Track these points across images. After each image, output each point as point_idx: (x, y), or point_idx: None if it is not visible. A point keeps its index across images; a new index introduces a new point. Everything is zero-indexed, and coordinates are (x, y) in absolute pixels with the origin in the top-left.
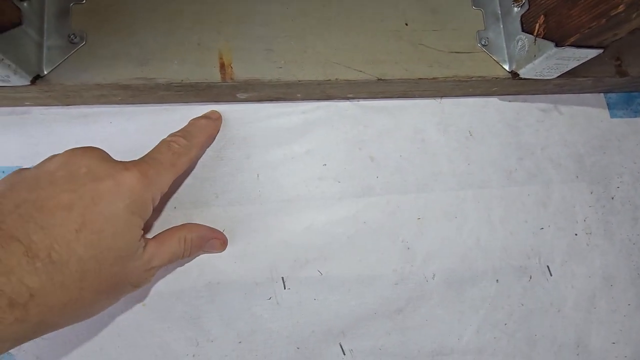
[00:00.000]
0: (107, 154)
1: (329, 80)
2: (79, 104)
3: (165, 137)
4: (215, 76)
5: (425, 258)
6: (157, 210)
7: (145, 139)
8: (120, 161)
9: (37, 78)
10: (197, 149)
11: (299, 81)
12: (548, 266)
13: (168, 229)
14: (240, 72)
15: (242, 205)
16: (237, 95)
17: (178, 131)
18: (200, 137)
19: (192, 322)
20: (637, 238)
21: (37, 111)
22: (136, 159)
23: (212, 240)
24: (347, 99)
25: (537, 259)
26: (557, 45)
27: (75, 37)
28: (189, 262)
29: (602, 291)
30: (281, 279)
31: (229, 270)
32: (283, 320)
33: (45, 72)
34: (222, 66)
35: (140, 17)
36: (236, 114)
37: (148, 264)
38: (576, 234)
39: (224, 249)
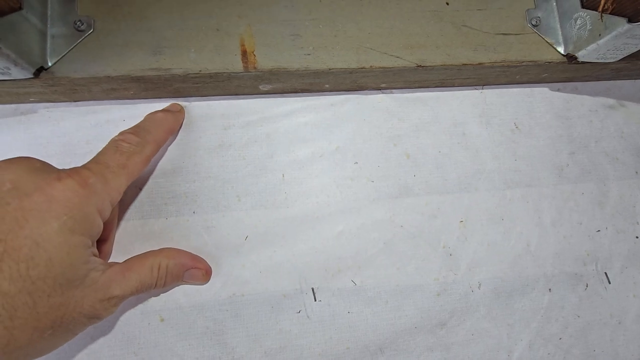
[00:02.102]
0: (41, 162)
1: (363, 67)
2: (87, 99)
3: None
4: (237, 65)
5: (470, 266)
6: (112, 219)
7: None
8: (56, 170)
9: (40, 70)
10: (152, 146)
11: (330, 69)
12: (606, 273)
13: (141, 254)
14: (264, 60)
15: (266, 209)
16: (260, 87)
17: (130, 128)
18: (155, 132)
19: (215, 339)
20: None
21: (44, 108)
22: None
23: (193, 270)
24: (380, 89)
25: (593, 265)
26: (630, 21)
27: (82, 24)
28: (164, 292)
29: None
30: (311, 290)
31: (254, 281)
32: (314, 335)
33: (50, 64)
34: (244, 54)
35: (154, 1)
36: (258, 108)
37: (106, 292)
38: (637, 237)
39: (207, 281)
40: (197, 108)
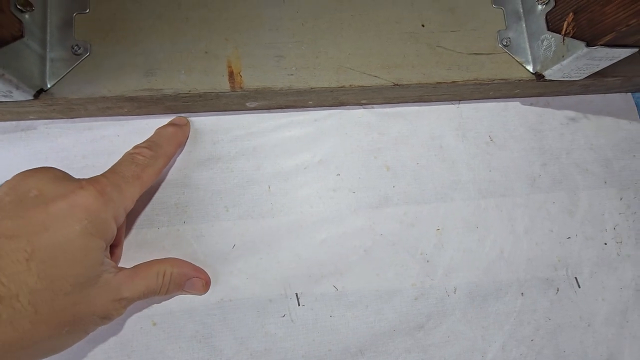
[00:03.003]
0: (62, 172)
1: (343, 86)
2: (84, 116)
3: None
4: (224, 85)
5: (446, 271)
6: (124, 228)
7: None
8: (77, 179)
9: (40, 92)
10: (163, 159)
11: (312, 88)
12: (576, 278)
13: (148, 261)
14: (250, 80)
15: (253, 219)
16: (247, 104)
17: (143, 142)
18: (166, 146)
19: (204, 342)
20: None
21: (42, 125)
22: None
23: (195, 279)
24: (361, 104)
25: (564, 270)
26: (588, 45)
27: (79, 48)
28: (165, 300)
29: (635, 304)
30: (295, 295)
31: (241, 287)
32: (298, 338)
33: (49, 86)
34: (231, 75)
35: (146, 26)
36: (245, 124)
37: (117, 293)
38: (606, 243)
39: (206, 291)
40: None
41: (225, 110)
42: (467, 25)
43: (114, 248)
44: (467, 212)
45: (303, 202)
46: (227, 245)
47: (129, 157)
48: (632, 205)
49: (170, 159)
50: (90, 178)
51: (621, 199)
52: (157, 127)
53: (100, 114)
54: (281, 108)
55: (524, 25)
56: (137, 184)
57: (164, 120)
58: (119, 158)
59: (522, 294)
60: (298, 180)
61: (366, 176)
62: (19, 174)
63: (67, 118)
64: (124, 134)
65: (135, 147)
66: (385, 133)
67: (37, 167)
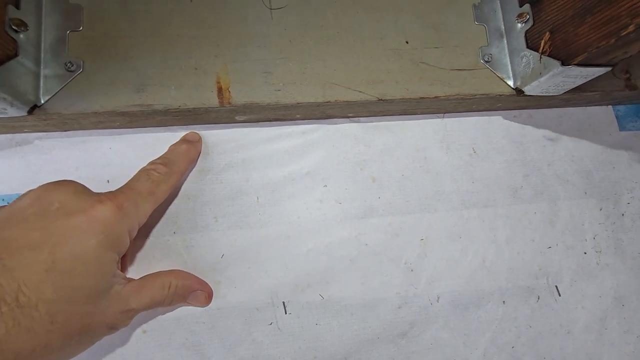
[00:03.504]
0: (83, 186)
1: (329, 101)
2: (77, 130)
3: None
4: (213, 101)
5: (430, 280)
6: (137, 238)
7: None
8: (96, 193)
9: (34, 108)
10: (177, 176)
11: (298, 103)
12: (556, 286)
13: (153, 273)
14: (238, 95)
15: (242, 229)
16: (236, 117)
17: (158, 158)
18: (179, 163)
19: (193, 350)
20: None
21: (36, 138)
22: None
23: (198, 292)
24: (347, 117)
25: (545, 279)
26: (563, 64)
27: (72, 65)
28: (169, 311)
29: (614, 311)
30: (282, 303)
31: (229, 295)
32: (284, 346)
33: (42, 102)
34: (220, 90)
35: (138, 43)
36: (235, 137)
37: (125, 304)
38: (585, 253)
39: (209, 304)
40: (178, 136)
41: (215, 123)
42: (450, 42)
43: (123, 258)
44: (450, 222)
45: (291, 213)
46: (215, 255)
47: (145, 174)
48: (611, 216)
49: (182, 175)
50: (109, 193)
51: (601, 209)
52: (149, 140)
53: (93, 127)
54: (270, 121)
55: (505, 42)
56: (152, 200)
57: (156, 133)
58: (115, 169)
59: (503, 302)
60: (286, 192)
61: (352, 187)
62: (43, 186)
63: (61, 131)
64: (116, 147)
65: (151, 163)
66: (371, 145)
67: (59, 180)
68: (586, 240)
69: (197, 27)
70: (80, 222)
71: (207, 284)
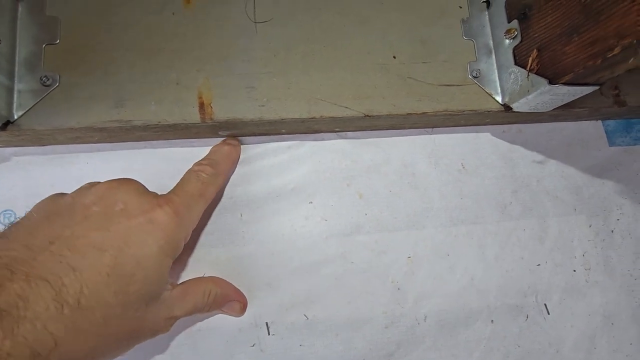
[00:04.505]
0: (142, 185)
1: (314, 117)
2: (54, 144)
3: (191, 166)
4: (194, 116)
5: (417, 299)
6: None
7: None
8: (155, 195)
9: (7, 124)
10: (223, 177)
11: (282, 119)
12: (545, 304)
13: (195, 279)
14: (221, 111)
15: (225, 247)
16: (219, 132)
17: (203, 159)
18: (224, 164)
19: None
20: (639, 273)
21: (12, 154)
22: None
23: (234, 302)
24: (334, 132)
25: (533, 297)
26: (550, 83)
27: (48, 79)
28: (206, 318)
29: (603, 330)
30: (265, 324)
31: (211, 316)
32: None
33: (16, 117)
34: (202, 106)
35: (117, 56)
36: None
37: (171, 311)
38: (574, 270)
39: (243, 314)
40: (159, 152)
41: (198, 138)
42: (438, 57)
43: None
44: (438, 239)
45: (275, 231)
46: (197, 273)
47: (194, 175)
48: (600, 233)
49: (227, 176)
50: (165, 197)
51: (590, 226)
52: (128, 155)
53: (71, 142)
54: (254, 136)
55: (494, 57)
56: (202, 202)
57: (135, 148)
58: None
59: (492, 321)
60: (270, 209)
61: (339, 204)
62: (106, 183)
63: (37, 146)
64: (94, 162)
65: (197, 164)
66: (358, 161)
67: (122, 178)
68: (575, 258)
69: (179, 40)
70: (142, 227)
71: (243, 294)
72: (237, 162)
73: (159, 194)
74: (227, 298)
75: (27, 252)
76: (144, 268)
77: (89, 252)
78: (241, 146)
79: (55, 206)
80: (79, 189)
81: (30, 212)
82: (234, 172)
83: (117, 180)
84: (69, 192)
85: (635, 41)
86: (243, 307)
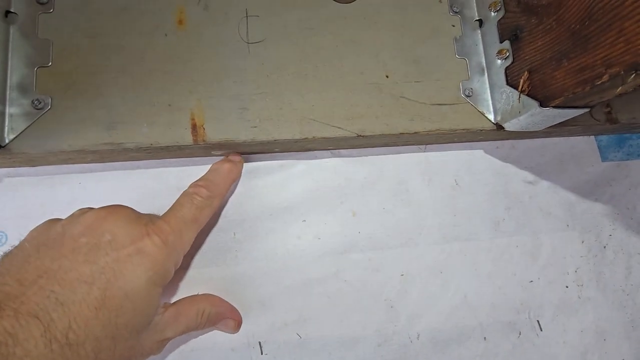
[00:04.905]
0: (134, 212)
1: (306, 138)
2: (44, 165)
3: (187, 187)
4: (187, 138)
5: (410, 317)
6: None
7: (116, 201)
8: (145, 222)
9: None
10: (219, 199)
11: (275, 140)
12: (538, 321)
13: (188, 298)
14: (213, 133)
15: (217, 267)
16: (212, 152)
17: (200, 180)
18: (222, 185)
19: None
20: (631, 289)
21: (3, 173)
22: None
23: (229, 320)
24: (328, 150)
25: (526, 313)
26: (541, 105)
27: (40, 103)
28: (200, 336)
29: (595, 346)
30: (258, 343)
31: (203, 336)
32: None
33: (7, 141)
34: (194, 127)
35: (109, 78)
36: None
37: (162, 334)
38: (567, 287)
39: (238, 331)
40: (151, 172)
41: (191, 157)
42: (431, 76)
43: None
44: (431, 257)
45: (268, 249)
46: (190, 293)
47: (188, 199)
48: (592, 249)
49: (224, 196)
50: (155, 225)
51: (583, 242)
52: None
53: (62, 163)
54: (247, 154)
55: (486, 76)
56: (195, 227)
57: (128, 169)
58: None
59: (484, 338)
60: (263, 227)
61: (332, 222)
62: (94, 212)
63: (29, 167)
64: (86, 182)
65: (193, 185)
66: (351, 179)
67: (111, 205)
68: (568, 274)
69: (171, 62)
70: (132, 258)
71: (237, 311)
72: (239, 179)
73: (154, 215)
74: (221, 316)
75: (19, 287)
76: (132, 300)
77: (77, 286)
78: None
79: (45, 237)
80: (70, 216)
81: (23, 241)
82: (234, 190)
83: (106, 209)
84: (63, 218)
85: (622, 71)
86: (237, 325)
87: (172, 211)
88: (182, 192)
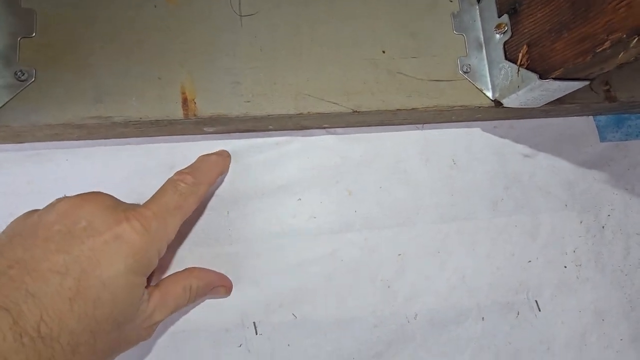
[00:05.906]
0: (112, 198)
1: (301, 113)
2: (32, 141)
3: (171, 176)
4: (178, 113)
5: (407, 297)
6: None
7: (104, 178)
8: (124, 209)
9: None
10: (205, 187)
11: (269, 115)
12: (536, 301)
13: (172, 276)
14: (205, 107)
15: (210, 247)
16: (204, 129)
17: (186, 168)
18: (208, 174)
19: None
20: (630, 269)
21: None
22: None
23: (218, 287)
24: (323, 128)
25: (525, 294)
26: (541, 78)
27: (23, 74)
28: (191, 309)
29: (594, 326)
30: (252, 324)
31: (195, 317)
32: None
33: None
34: (185, 101)
35: (96, 50)
36: (203, 149)
37: (150, 319)
38: (565, 267)
39: (229, 295)
40: (141, 149)
41: (182, 134)
42: (428, 52)
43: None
44: (428, 236)
45: (262, 229)
46: None
47: (172, 186)
48: (591, 229)
49: (210, 186)
50: (136, 210)
51: (581, 222)
52: (109, 152)
53: (50, 139)
54: (241, 132)
55: (484, 52)
56: (180, 215)
57: (117, 145)
58: (72, 182)
59: (482, 318)
60: (257, 206)
61: (327, 201)
62: (70, 199)
63: (15, 143)
64: (73, 159)
65: (178, 173)
66: (347, 157)
67: (88, 193)
68: (566, 254)
69: (161, 33)
70: (108, 244)
71: (226, 277)
72: (225, 173)
73: (135, 203)
74: (210, 286)
75: None
76: (111, 290)
77: (50, 277)
78: (229, 142)
79: (21, 227)
80: (47, 205)
81: (2, 232)
82: (221, 184)
83: (82, 196)
84: (41, 208)
85: (624, 36)
86: (228, 290)
87: (154, 198)
88: (172, 172)
